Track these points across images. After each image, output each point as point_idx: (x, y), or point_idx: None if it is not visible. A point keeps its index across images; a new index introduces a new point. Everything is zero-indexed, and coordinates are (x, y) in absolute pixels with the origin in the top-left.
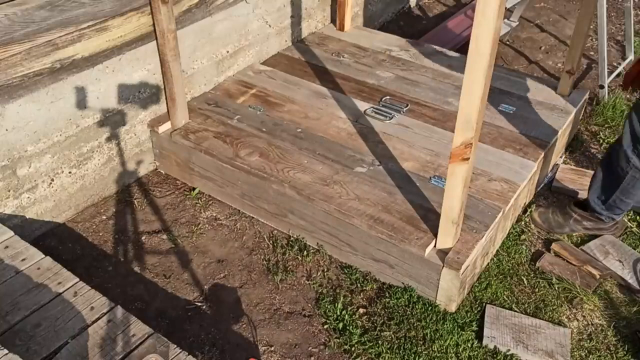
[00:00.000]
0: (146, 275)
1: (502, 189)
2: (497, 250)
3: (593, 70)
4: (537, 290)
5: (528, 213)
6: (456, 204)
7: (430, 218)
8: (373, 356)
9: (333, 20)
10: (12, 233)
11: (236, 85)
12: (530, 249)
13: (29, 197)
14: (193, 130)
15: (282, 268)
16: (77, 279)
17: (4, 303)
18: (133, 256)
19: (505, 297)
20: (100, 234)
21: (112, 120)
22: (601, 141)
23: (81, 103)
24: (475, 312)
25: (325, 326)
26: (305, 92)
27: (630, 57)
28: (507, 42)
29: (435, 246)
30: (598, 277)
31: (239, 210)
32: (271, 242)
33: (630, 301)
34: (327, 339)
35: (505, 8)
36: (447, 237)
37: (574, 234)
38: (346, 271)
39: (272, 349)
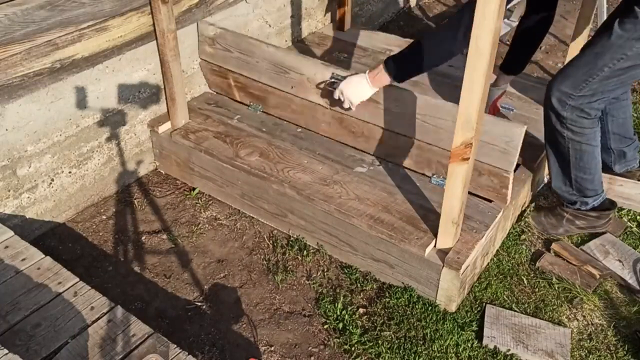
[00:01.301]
0: (146, 275)
1: None
2: (497, 250)
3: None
4: (537, 290)
5: (526, 214)
6: (456, 204)
7: (430, 218)
8: (373, 356)
9: (333, 20)
10: (12, 233)
11: None
12: (530, 249)
13: (29, 197)
14: (193, 130)
15: (282, 268)
16: (77, 279)
17: (4, 303)
18: (133, 256)
19: (505, 297)
20: (100, 234)
21: (112, 120)
22: None
23: (81, 103)
24: (475, 312)
25: (325, 326)
26: None
27: None
28: (507, 42)
29: (435, 246)
30: (598, 277)
31: (239, 210)
32: (271, 242)
33: (630, 301)
34: (327, 339)
35: (505, 8)
36: (447, 237)
37: (573, 235)
38: (346, 271)
39: (272, 348)
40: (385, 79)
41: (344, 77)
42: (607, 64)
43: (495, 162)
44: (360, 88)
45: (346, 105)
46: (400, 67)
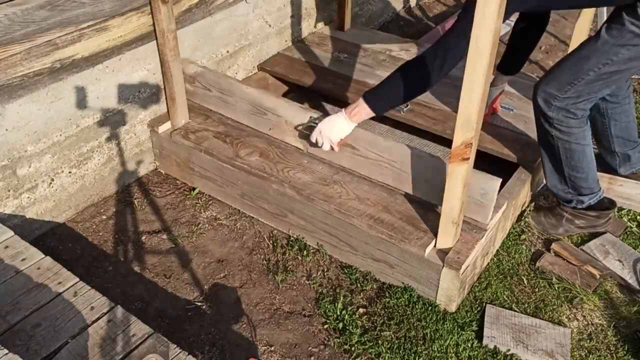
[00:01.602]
0: (146, 275)
1: None
2: (497, 250)
3: None
4: (537, 290)
5: (526, 214)
6: (456, 204)
7: (430, 218)
8: (373, 356)
9: (333, 20)
10: (12, 233)
11: None
12: (530, 249)
13: (29, 197)
14: (193, 130)
15: (282, 268)
16: (77, 279)
17: (4, 303)
18: (133, 256)
19: (505, 297)
20: (100, 234)
21: (112, 120)
22: None
23: (81, 103)
24: (475, 312)
25: (325, 326)
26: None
27: None
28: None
29: (435, 246)
30: (598, 277)
31: (239, 210)
32: (271, 242)
33: (630, 301)
34: (327, 339)
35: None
36: (447, 237)
37: (573, 235)
38: (346, 271)
39: (272, 348)
40: (365, 112)
41: (321, 119)
42: (593, 68)
43: (470, 214)
44: (338, 125)
45: (326, 147)
46: (380, 99)
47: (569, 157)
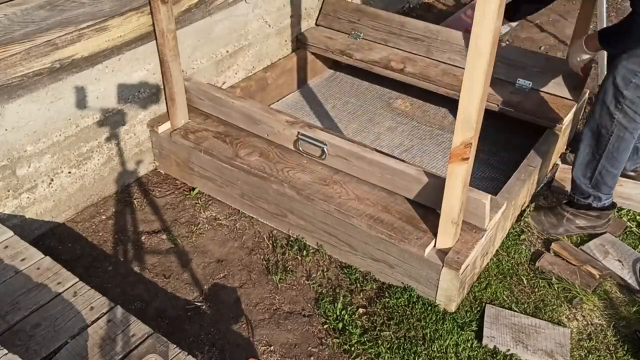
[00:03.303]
0: (146, 275)
1: None
2: (497, 250)
3: (593, 70)
4: (536, 290)
5: (526, 214)
6: (456, 204)
7: (430, 218)
8: (373, 356)
9: None
10: (11, 233)
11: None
12: (530, 248)
13: (28, 197)
14: (193, 130)
15: (281, 268)
16: (77, 279)
17: (3, 303)
18: (133, 256)
19: (505, 297)
20: (100, 234)
21: (112, 120)
22: None
23: (81, 103)
24: (475, 312)
25: (325, 326)
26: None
27: None
28: (507, 42)
29: (435, 246)
30: (598, 277)
31: (239, 210)
32: (271, 242)
33: (630, 301)
34: (327, 339)
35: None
36: (446, 237)
37: (573, 235)
38: (346, 271)
39: (272, 348)
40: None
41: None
42: None
43: (468, 218)
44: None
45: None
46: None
47: (616, 147)
